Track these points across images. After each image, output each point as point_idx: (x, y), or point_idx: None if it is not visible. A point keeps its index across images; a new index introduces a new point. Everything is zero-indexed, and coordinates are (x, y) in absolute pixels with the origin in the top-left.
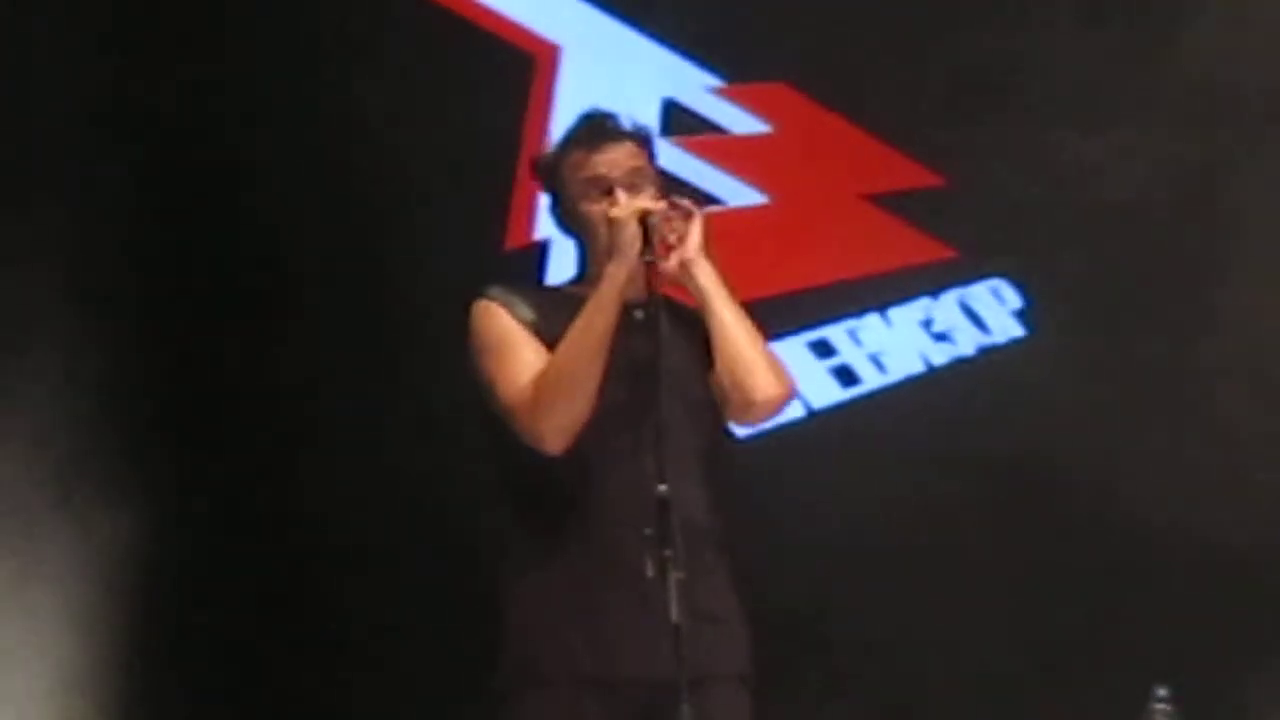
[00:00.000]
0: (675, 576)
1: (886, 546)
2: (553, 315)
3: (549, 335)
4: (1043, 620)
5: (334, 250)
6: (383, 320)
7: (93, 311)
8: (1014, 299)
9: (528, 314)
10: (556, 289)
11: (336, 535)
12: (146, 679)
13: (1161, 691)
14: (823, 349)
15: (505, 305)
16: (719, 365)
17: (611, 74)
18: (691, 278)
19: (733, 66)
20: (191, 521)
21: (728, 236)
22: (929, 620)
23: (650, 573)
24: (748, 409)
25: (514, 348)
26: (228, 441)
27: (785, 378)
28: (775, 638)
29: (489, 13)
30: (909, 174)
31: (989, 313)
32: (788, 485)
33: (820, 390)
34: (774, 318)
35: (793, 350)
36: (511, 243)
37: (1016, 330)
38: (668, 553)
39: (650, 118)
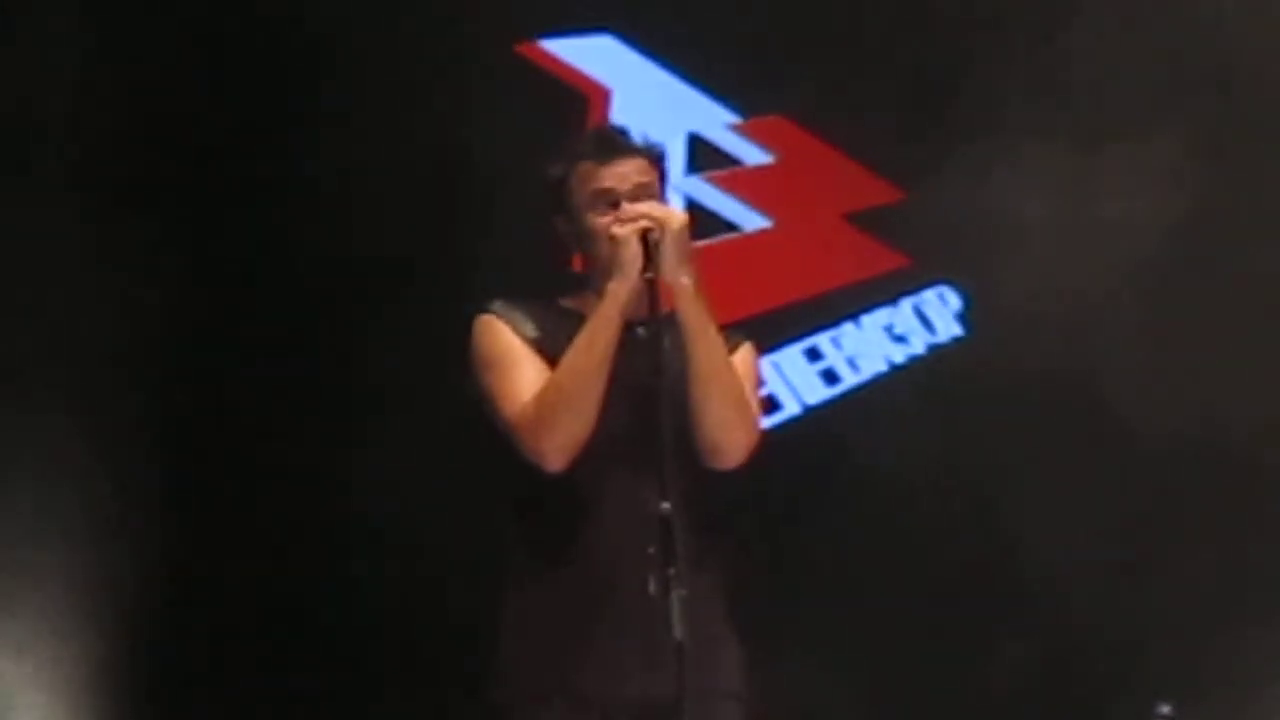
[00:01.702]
0: (678, 594)
1: (872, 524)
2: (555, 331)
3: (551, 352)
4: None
5: (413, 275)
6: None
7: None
8: (955, 301)
9: (530, 330)
10: (559, 304)
11: (346, 551)
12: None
13: (1165, 709)
14: (813, 354)
15: (507, 321)
16: (691, 409)
17: (649, 110)
18: (678, 306)
19: (744, 101)
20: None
21: (742, 258)
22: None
23: (653, 590)
24: (712, 457)
25: (516, 364)
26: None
27: (753, 430)
28: (775, 608)
29: (553, 59)
30: (876, 191)
31: (935, 314)
32: (785, 471)
33: (812, 390)
34: (778, 329)
35: (792, 357)
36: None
37: (957, 330)
38: (671, 570)
39: (678, 149)
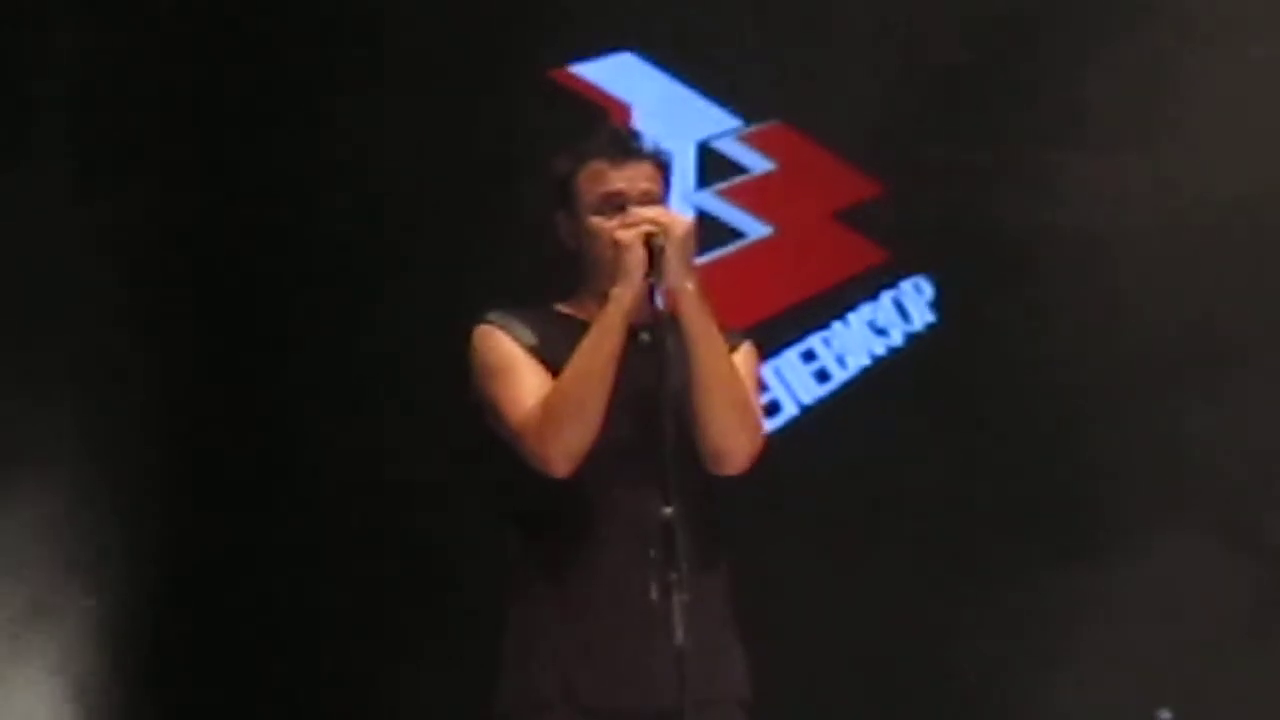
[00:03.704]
0: (680, 599)
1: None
2: (553, 338)
3: (550, 358)
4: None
5: (443, 285)
6: None
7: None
8: (929, 291)
9: (529, 338)
10: (555, 310)
11: (343, 559)
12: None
13: (1165, 715)
14: (808, 356)
15: (505, 329)
16: (694, 415)
17: (664, 122)
18: (682, 312)
19: (747, 107)
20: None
21: (745, 269)
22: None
23: (655, 595)
24: (716, 463)
25: (517, 372)
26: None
27: (756, 435)
28: (785, 590)
29: (580, 80)
30: (861, 187)
31: (911, 304)
32: (787, 469)
33: (808, 390)
34: (778, 334)
35: (790, 361)
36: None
37: (930, 317)
38: (673, 576)
39: (689, 157)
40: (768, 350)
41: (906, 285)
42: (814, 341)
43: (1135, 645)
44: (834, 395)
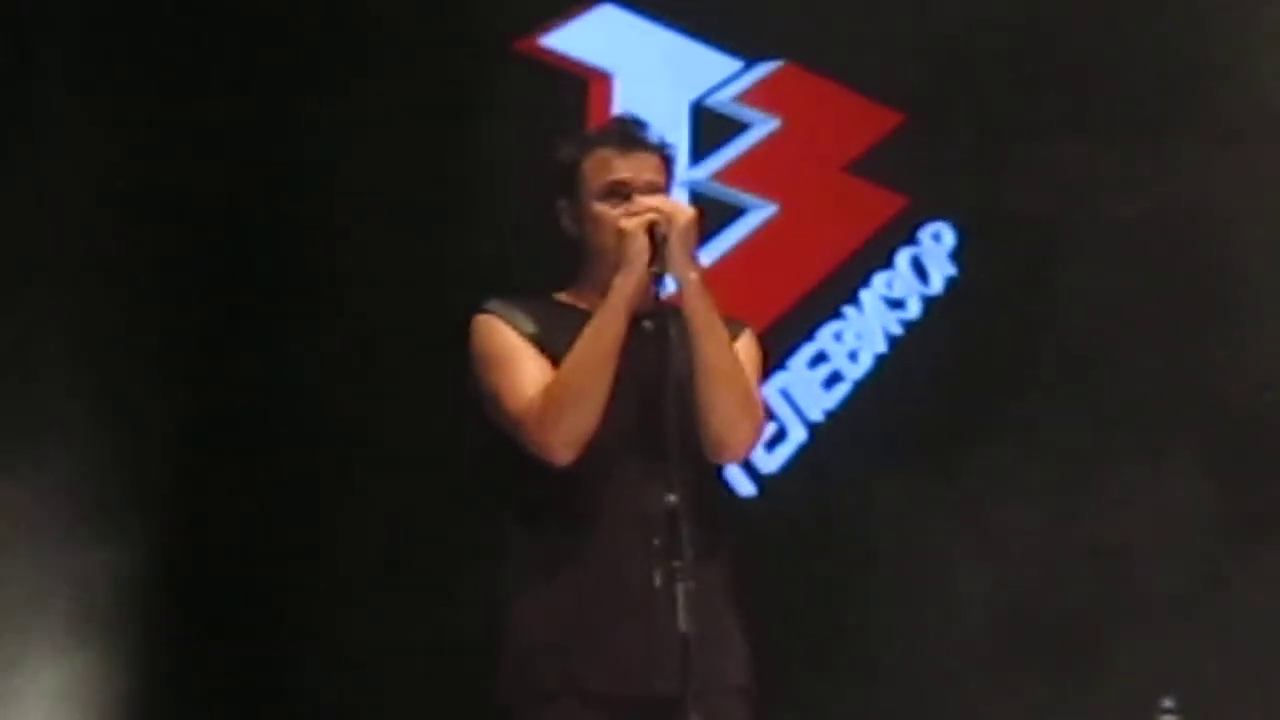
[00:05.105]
0: (683, 586)
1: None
2: (553, 327)
3: (550, 346)
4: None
5: (417, 272)
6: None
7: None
8: (950, 239)
9: (529, 326)
10: (555, 299)
11: (338, 554)
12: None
13: (1168, 703)
14: (818, 359)
15: (506, 318)
16: (698, 405)
17: (652, 85)
18: (685, 302)
19: (747, 46)
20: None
21: (748, 265)
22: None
23: (658, 583)
24: (718, 453)
25: (518, 361)
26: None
27: (759, 425)
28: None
29: (552, 53)
30: (877, 122)
31: (930, 260)
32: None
33: (815, 403)
34: (783, 336)
35: (799, 372)
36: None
37: (950, 270)
38: (676, 563)
39: (681, 119)
40: (776, 357)
41: (925, 236)
42: (824, 339)
43: (1155, 619)
44: (846, 399)
